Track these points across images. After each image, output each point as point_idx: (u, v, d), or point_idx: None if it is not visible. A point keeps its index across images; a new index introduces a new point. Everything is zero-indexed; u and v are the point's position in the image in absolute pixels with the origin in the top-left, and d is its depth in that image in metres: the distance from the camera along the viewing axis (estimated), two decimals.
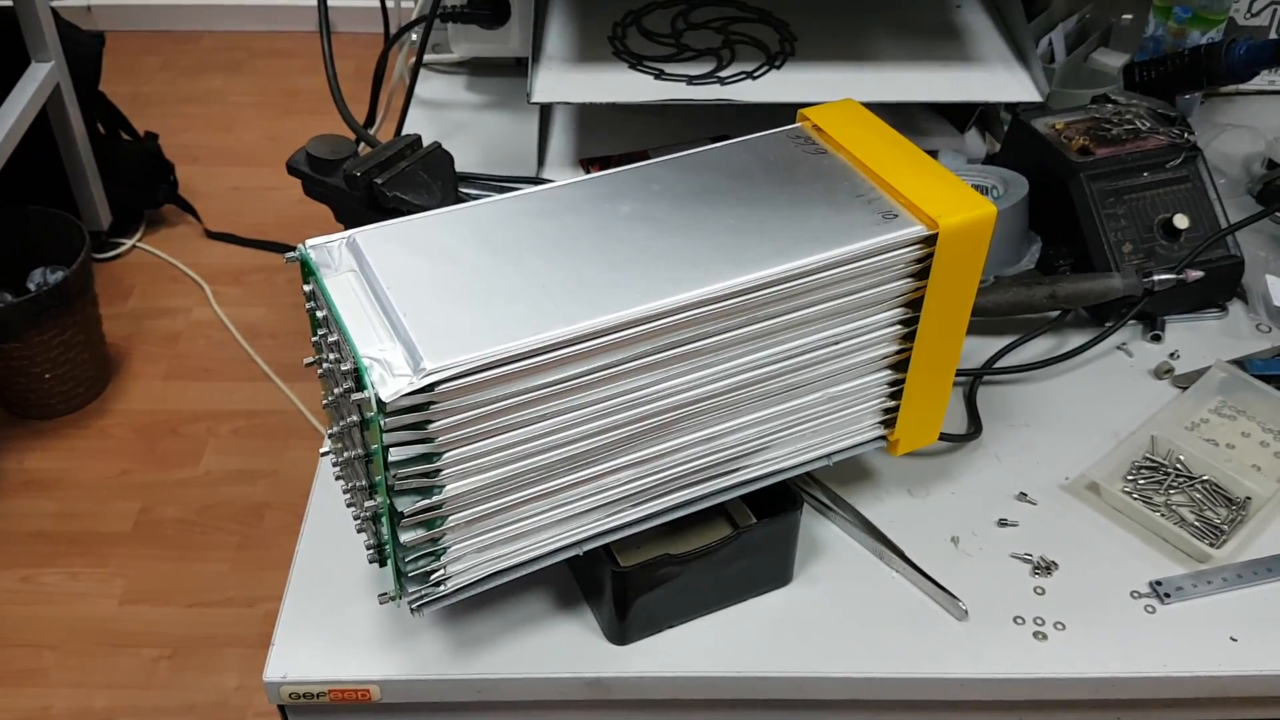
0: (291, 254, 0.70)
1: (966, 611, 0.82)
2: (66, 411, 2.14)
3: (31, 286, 2.10)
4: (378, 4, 1.40)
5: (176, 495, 2.02)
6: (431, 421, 0.64)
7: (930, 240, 0.74)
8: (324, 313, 0.69)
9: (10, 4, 2.15)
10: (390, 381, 0.62)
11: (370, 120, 1.36)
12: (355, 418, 0.66)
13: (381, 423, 0.63)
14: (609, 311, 0.66)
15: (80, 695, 1.73)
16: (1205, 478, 0.91)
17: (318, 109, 2.89)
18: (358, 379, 0.64)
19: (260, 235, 2.53)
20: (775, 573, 0.83)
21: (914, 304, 0.78)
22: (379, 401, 0.62)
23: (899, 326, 0.78)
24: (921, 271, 0.76)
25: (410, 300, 0.67)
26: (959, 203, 0.75)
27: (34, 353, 2.01)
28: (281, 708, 0.80)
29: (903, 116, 1.26)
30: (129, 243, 2.51)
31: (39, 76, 2.18)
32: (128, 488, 2.03)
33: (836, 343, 0.76)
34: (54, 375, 2.06)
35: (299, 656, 0.79)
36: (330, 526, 0.86)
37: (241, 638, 1.80)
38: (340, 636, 0.80)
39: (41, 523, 1.97)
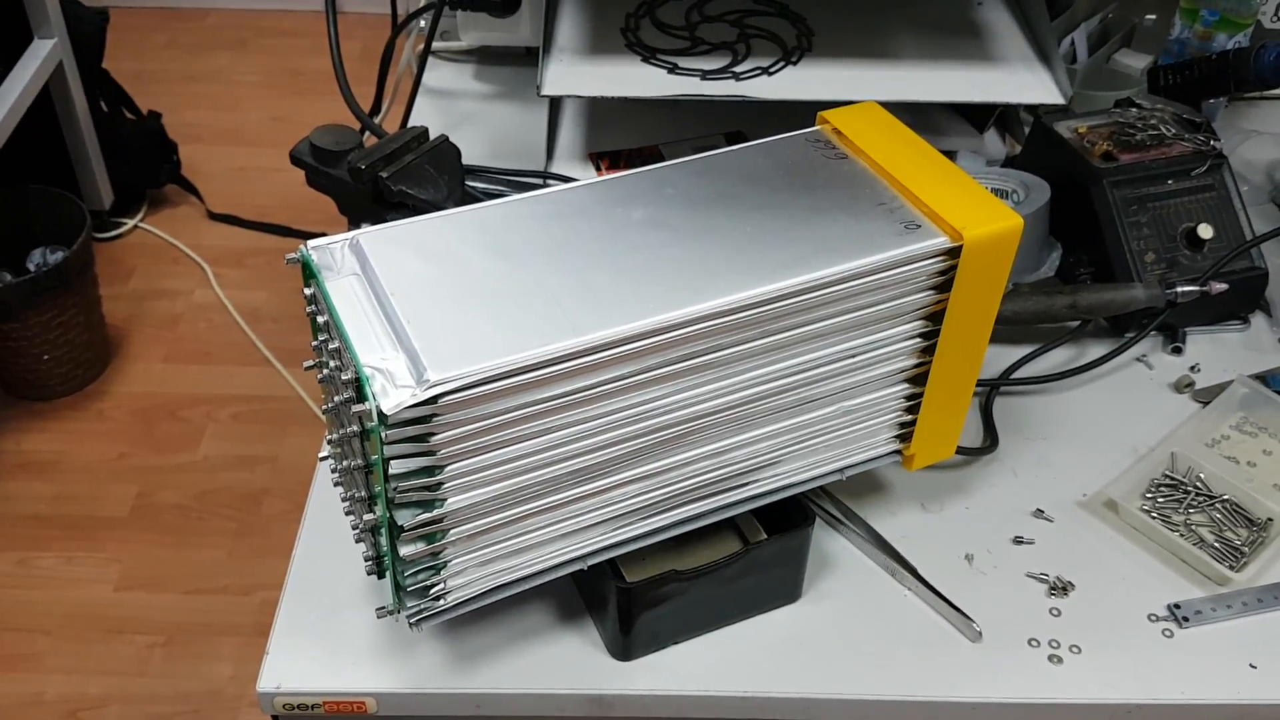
0: (292, 255, 0.68)
1: (980, 633, 0.80)
2: (64, 393, 2.12)
3: (31, 266, 2.08)
4: None
5: (174, 480, 2.00)
6: (434, 434, 0.62)
7: (954, 252, 0.71)
8: (325, 317, 0.67)
9: None
10: (392, 393, 0.60)
11: (376, 108, 1.34)
12: (355, 428, 0.64)
13: (383, 435, 0.61)
14: (620, 322, 0.64)
15: (74, 681, 1.71)
16: (1226, 497, 0.89)
17: (323, 90, 2.86)
18: (358, 389, 0.61)
19: (263, 217, 2.51)
20: (784, 589, 0.81)
21: (935, 317, 0.75)
22: (380, 414, 0.60)
23: (918, 340, 0.76)
24: (944, 284, 0.73)
25: (414, 307, 0.64)
26: (984, 213, 0.72)
27: (32, 334, 1.99)
28: (275, 718, 0.78)
29: (920, 116, 1.23)
30: (130, 223, 2.49)
31: (41, 53, 2.15)
32: (125, 471, 2.01)
33: (854, 356, 0.74)
34: (52, 356, 2.04)
35: (294, 666, 0.77)
36: (329, 531, 0.84)
37: (237, 626, 1.79)
38: (336, 646, 0.78)
39: (38, 506, 1.95)
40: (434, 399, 0.60)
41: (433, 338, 0.62)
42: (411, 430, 0.61)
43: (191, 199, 2.55)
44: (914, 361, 0.77)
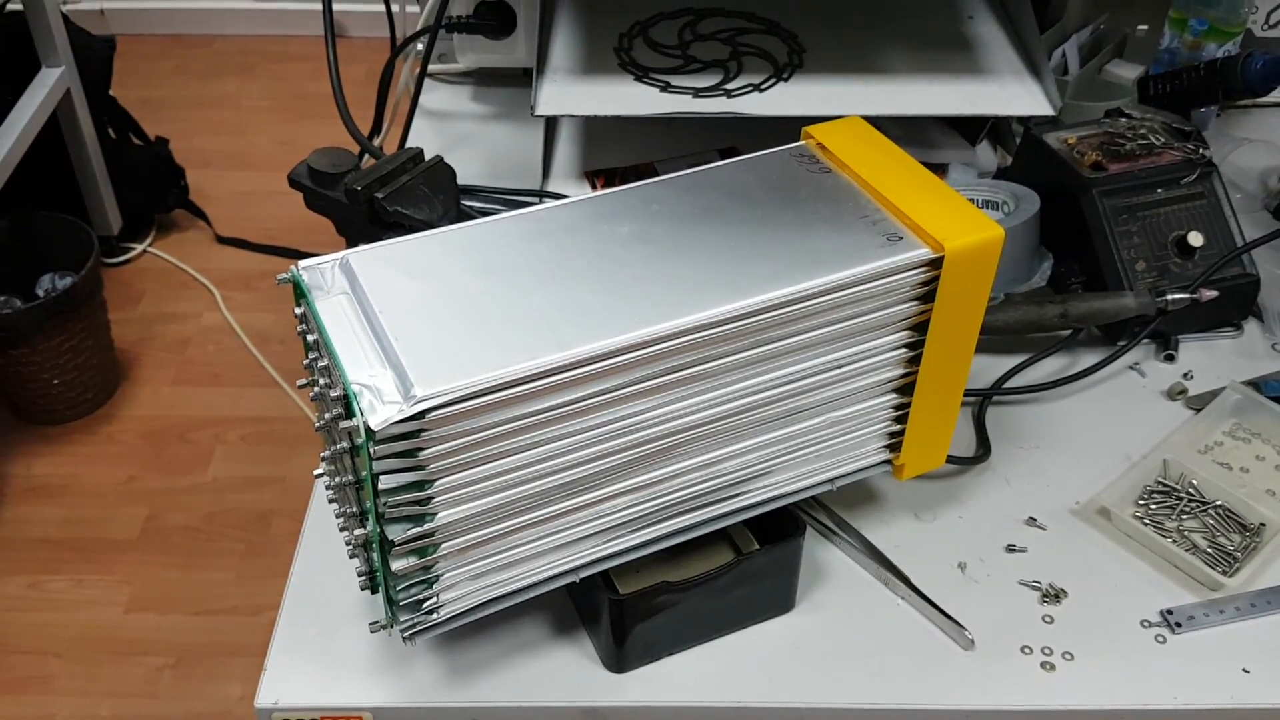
0: (283, 275, 0.69)
1: (973, 641, 0.80)
2: (74, 417, 2.13)
3: (40, 292, 2.10)
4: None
5: (183, 502, 2.01)
6: (423, 449, 0.63)
7: (936, 263, 0.72)
8: (315, 336, 0.68)
9: (20, 8, 2.14)
10: (380, 409, 0.61)
11: (376, 129, 1.35)
12: (345, 444, 0.65)
13: (371, 450, 0.62)
14: (606, 336, 0.65)
15: (85, 703, 1.72)
16: (1218, 503, 0.89)
17: (329, 113, 2.86)
18: (347, 406, 0.62)
19: (271, 240, 2.53)
20: (777, 599, 0.82)
21: (919, 327, 0.76)
22: (368, 429, 0.61)
23: (904, 350, 0.77)
24: (927, 295, 0.74)
25: (402, 324, 0.65)
26: (966, 224, 0.73)
27: (42, 358, 2.01)
28: None
29: (912, 129, 1.24)
30: (139, 247, 2.51)
31: (49, 81, 2.17)
32: (135, 494, 2.03)
33: (840, 367, 0.75)
34: (62, 381, 2.06)
35: (291, 682, 0.77)
36: (326, 547, 0.85)
37: (246, 647, 1.79)
38: (334, 661, 0.79)
39: (48, 529, 1.96)
40: (421, 414, 0.61)
41: (420, 354, 0.63)
42: (400, 445, 0.62)
43: (199, 223, 2.57)
44: (901, 372, 0.78)
